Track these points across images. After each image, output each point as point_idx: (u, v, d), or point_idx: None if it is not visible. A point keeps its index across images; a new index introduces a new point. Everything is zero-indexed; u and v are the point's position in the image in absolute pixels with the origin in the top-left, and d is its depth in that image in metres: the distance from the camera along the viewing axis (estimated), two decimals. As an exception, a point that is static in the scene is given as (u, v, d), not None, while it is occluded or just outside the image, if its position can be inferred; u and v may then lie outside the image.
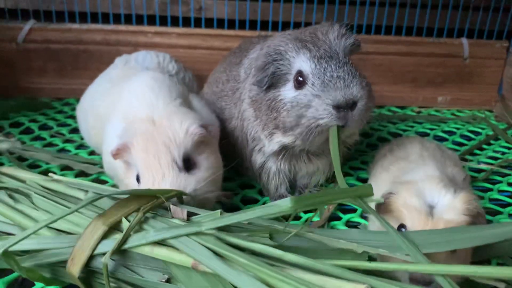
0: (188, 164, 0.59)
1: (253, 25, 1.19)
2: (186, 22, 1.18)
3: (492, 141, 1.03)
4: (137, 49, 1.11)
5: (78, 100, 0.92)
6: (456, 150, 0.96)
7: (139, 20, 1.17)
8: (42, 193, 0.57)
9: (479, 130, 1.10)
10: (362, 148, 0.96)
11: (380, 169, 0.68)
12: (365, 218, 0.70)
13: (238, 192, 0.78)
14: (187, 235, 0.47)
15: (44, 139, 0.94)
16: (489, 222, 0.70)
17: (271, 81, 0.65)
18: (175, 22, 1.18)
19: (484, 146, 1.01)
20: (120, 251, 0.49)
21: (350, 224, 0.69)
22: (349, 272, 0.42)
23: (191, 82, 1.00)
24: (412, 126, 1.11)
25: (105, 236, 0.49)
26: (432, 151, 0.66)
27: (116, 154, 0.60)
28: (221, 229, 0.48)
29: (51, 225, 0.52)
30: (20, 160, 0.83)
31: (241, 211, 0.49)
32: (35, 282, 0.53)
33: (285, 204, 0.44)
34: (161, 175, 0.57)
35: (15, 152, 0.85)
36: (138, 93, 0.66)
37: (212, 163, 0.63)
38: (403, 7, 1.20)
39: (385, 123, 1.12)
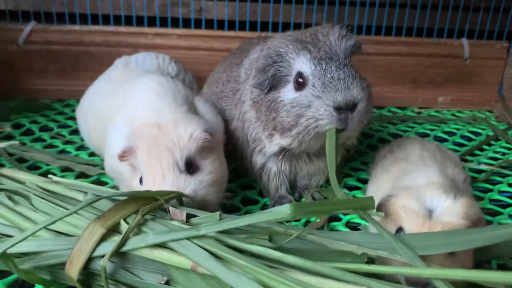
0: (191, 168, 0.60)
1: (253, 26, 1.19)
2: (187, 23, 1.18)
3: (492, 142, 1.03)
4: (137, 51, 1.11)
5: (78, 102, 0.92)
6: (457, 151, 0.96)
7: (140, 21, 1.17)
8: (41, 194, 0.57)
9: (480, 130, 1.10)
10: (362, 149, 0.96)
11: (380, 170, 0.68)
12: (365, 219, 0.69)
13: (238, 193, 0.78)
14: (187, 238, 0.47)
15: (44, 140, 0.94)
16: (489, 223, 0.70)
17: (272, 83, 0.65)
18: (175, 23, 1.18)
19: (485, 147, 1.01)
20: (119, 253, 0.49)
21: (350, 225, 0.69)
22: (348, 274, 0.42)
23: (191, 83, 1.00)
24: (412, 127, 1.11)
25: (104, 238, 0.49)
26: (432, 152, 0.66)
27: (122, 157, 0.61)
28: (221, 231, 0.48)
29: (50, 227, 0.52)
30: (21, 162, 0.84)
31: (240, 217, 0.49)
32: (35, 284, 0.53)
33: (285, 211, 0.44)
34: (161, 176, 0.57)
35: (15, 154, 0.85)
36: (144, 99, 0.67)
37: (216, 168, 0.63)
38: (403, 7, 1.20)
39: (385, 124, 1.12)
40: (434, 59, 1.21)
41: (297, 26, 1.12)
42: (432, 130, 1.09)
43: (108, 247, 0.48)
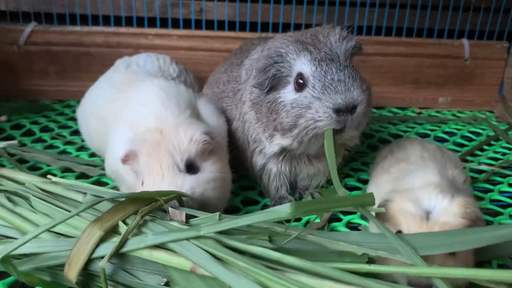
0: (191, 169, 0.60)
1: (253, 27, 1.19)
2: (187, 24, 1.18)
3: (493, 142, 1.03)
4: (138, 51, 1.11)
5: (79, 102, 0.92)
6: (457, 151, 0.96)
7: (140, 22, 1.18)
8: (40, 195, 0.57)
9: (480, 131, 1.10)
10: (363, 149, 0.96)
11: (380, 171, 0.68)
12: (365, 219, 0.70)
13: (239, 193, 0.78)
14: (186, 238, 0.47)
15: (45, 141, 0.95)
16: (489, 223, 0.70)
17: (272, 84, 0.65)
18: (176, 24, 1.18)
19: (485, 147, 1.01)
20: (119, 255, 0.49)
21: (351, 226, 0.69)
22: (348, 275, 0.42)
23: (193, 84, 1.00)
24: (412, 127, 1.11)
25: (103, 239, 0.49)
26: (432, 153, 0.66)
27: (125, 160, 0.61)
28: (220, 232, 0.48)
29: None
30: (21, 162, 0.84)
31: (240, 216, 0.49)
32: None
33: (285, 210, 0.44)
34: (160, 176, 0.58)
35: (16, 154, 0.85)
36: (147, 104, 0.67)
37: (218, 169, 0.63)
38: (403, 8, 1.20)
39: (385, 124, 1.12)
40: (434, 59, 1.21)
41: (298, 27, 1.12)
42: (432, 130, 1.09)
43: (107, 248, 0.48)
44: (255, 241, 0.48)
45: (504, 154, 0.97)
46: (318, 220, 0.69)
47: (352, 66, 0.63)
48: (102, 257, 0.47)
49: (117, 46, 1.14)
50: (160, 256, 0.48)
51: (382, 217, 0.52)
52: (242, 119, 0.74)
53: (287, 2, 1.18)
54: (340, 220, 0.70)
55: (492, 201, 0.77)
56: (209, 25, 1.19)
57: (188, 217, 0.52)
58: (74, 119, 1.03)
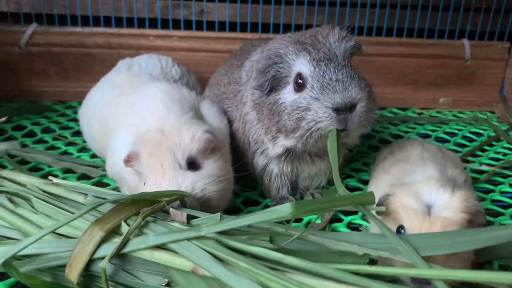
0: (193, 167, 0.60)
1: (254, 28, 1.19)
2: (188, 25, 1.19)
3: (494, 142, 1.03)
4: (139, 52, 1.11)
5: (80, 103, 0.92)
6: (458, 152, 0.96)
7: (141, 23, 1.18)
8: (41, 196, 0.57)
9: (481, 131, 1.10)
10: (364, 150, 0.96)
11: (381, 171, 0.68)
12: (366, 220, 0.70)
13: (240, 194, 0.78)
14: (187, 239, 0.48)
15: (46, 142, 0.95)
16: (491, 223, 0.70)
17: (272, 85, 0.66)
18: (176, 25, 1.18)
19: (486, 147, 1.01)
20: (120, 255, 0.49)
21: (352, 226, 0.69)
22: (349, 276, 0.42)
23: (195, 86, 1.00)
24: (413, 128, 1.11)
25: (104, 239, 0.49)
26: (432, 153, 0.66)
27: (127, 161, 0.62)
28: (221, 232, 0.48)
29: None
30: (23, 163, 0.84)
31: (241, 216, 0.49)
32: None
33: (285, 210, 0.44)
34: (161, 174, 0.58)
35: (17, 155, 0.86)
36: (150, 107, 0.68)
37: (219, 167, 0.63)
38: (404, 8, 1.20)
39: (386, 124, 1.12)
40: (435, 60, 1.21)
41: (298, 28, 1.11)
42: (433, 131, 1.09)
43: (108, 249, 0.48)
44: (256, 241, 0.48)
45: (505, 154, 0.97)
46: (319, 221, 0.69)
47: (351, 65, 0.64)
48: (103, 258, 0.47)
49: (118, 47, 1.14)
50: (161, 256, 0.48)
51: (383, 212, 0.52)
52: (243, 120, 0.74)
53: (288, 3, 1.18)
54: (341, 220, 0.70)
55: (493, 201, 0.77)
56: (210, 26, 1.19)
57: (189, 218, 0.52)
58: (75, 120, 1.03)
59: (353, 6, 1.19)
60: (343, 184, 0.81)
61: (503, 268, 0.57)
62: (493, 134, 1.07)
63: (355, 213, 0.71)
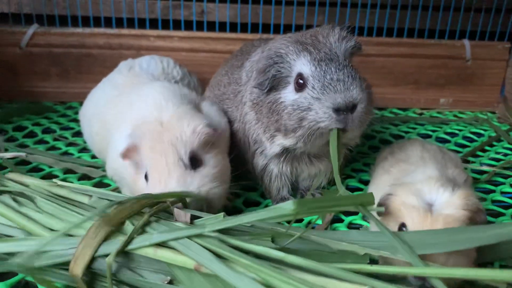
0: (194, 163, 0.60)
1: (255, 28, 1.20)
2: (188, 25, 1.19)
3: (494, 143, 1.03)
4: (139, 53, 1.12)
5: (81, 104, 0.92)
6: (459, 152, 0.96)
7: (142, 24, 1.18)
8: (46, 196, 0.58)
9: (482, 131, 1.10)
10: (364, 150, 0.96)
11: (381, 171, 0.68)
12: (366, 220, 0.70)
13: (240, 195, 0.78)
14: (190, 237, 0.48)
15: (47, 142, 0.95)
16: (491, 224, 0.70)
17: (272, 84, 0.66)
18: (177, 25, 1.18)
19: (487, 148, 1.00)
20: (123, 253, 0.49)
21: (352, 226, 0.69)
22: (351, 274, 0.42)
23: (196, 87, 1.00)
24: (414, 128, 1.11)
25: (106, 238, 0.49)
26: (433, 153, 0.66)
27: (126, 155, 0.61)
28: (224, 232, 0.49)
29: (53, 228, 0.53)
30: (24, 164, 0.84)
31: (243, 214, 0.49)
32: (39, 286, 0.53)
33: (288, 207, 0.44)
34: (167, 173, 0.58)
35: (18, 156, 0.86)
36: (148, 99, 0.68)
37: (219, 161, 0.64)
38: (404, 9, 1.20)
39: (387, 125, 1.12)
40: (435, 60, 1.21)
41: (299, 28, 1.11)
42: (434, 131, 1.09)
43: (111, 246, 0.48)
44: (257, 241, 0.48)
45: (505, 154, 0.97)
46: (320, 222, 0.69)
47: (352, 65, 0.64)
48: (107, 255, 0.47)
49: (119, 48, 1.14)
50: (164, 254, 0.48)
51: (385, 211, 0.52)
52: (243, 120, 0.74)
53: (288, 3, 1.19)
54: (342, 221, 0.70)
55: (493, 201, 0.77)
56: (211, 26, 1.19)
57: (193, 218, 0.53)
58: (76, 120, 1.03)
59: (353, 6, 1.19)
60: (343, 184, 0.82)
61: (504, 268, 0.57)
62: (493, 134, 1.07)
63: (356, 213, 0.71)
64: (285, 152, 0.69)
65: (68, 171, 0.83)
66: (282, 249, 0.46)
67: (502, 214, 0.73)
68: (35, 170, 0.83)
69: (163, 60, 0.95)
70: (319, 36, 0.65)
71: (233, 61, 0.87)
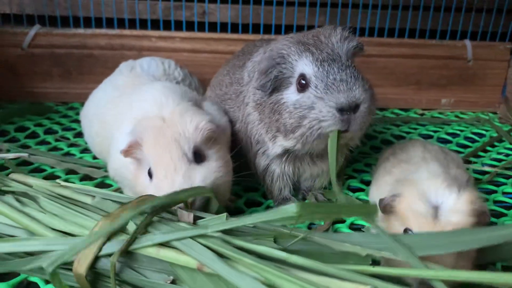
0: (198, 158, 0.61)
1: (256, 29, 1.20)
2: (190, 26, 1.19)
3: (496, 143, 1.03)
4: (141, 53, 1.12)
5: (83, 105, 0.92)
6: (460, 152, 0.96)
7: (143, 24, 1.18)
8: (49, 197, 0.58)
9: (483, 132, 1.10)
10: (366, 151, 0.96)
11: (383, 172, 0.68)
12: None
13: (242, 195, 0.78)
14: (193, 237, 0.48)
15: (49, 143, 0.95)
16: (493, 224, 0.70)
17: (275, 85, 0.66)
18: (178, 26, 1.18)
19: (488, 148, 1.00)
20: (126, 253, 0.49)
21: (354, 227, 0.69)
22: (353, 274, 0.42)
23: (197, 88, 1.00)
24: (415, 129, 1.11)
25: (110, 237, 0.49)
26: (434, 153, 0.66)
27: (127, 152, 0.61)
28: (226, 232, 0.49)
29: (56, 227, 0.53)
30: (25, 165, 0.84)
31: (246, 215, 0.49)
32: (40, 286, 0.53)
33: (291, 210, 0.44)
34: (172, 168, 0.58)
35: (20, 157, 0.86)
36: (148, 97, 0.68)
37: (222, 156, 0.64)
38: (405, 9, 1.20)
39: (388, 125, 1.12)
40: (437, 60, 1.21)
41: (300, 29, 1.11)
42: (435, 131, 1.09)
43: (114, 246, 0.48)
44: (260, 241, 0.48)
45: (507, 155, 0.97)
46: (321, 223, 0.69)
47: (354, 66, 0.64)
48: (109, 255, 0.47)
49: (121, 48, 1.14)
50: (167, 254, 0.48)
51: (388, 211, 0.52)
52: (245, 121, 0.74)
53: (290, 4, 1.19)
54: (343, 221, 0.70)
55: (495, 202, 0.77)
56: (212, 27, 1.19)
57: (195, 218, 0.53)
58: (77, 121, 1.03)
59: (354, 7, 1.19)
60: (345, 184, 0.82)
61: (506, 269, 0.57)
62: (495, 135, 1.07)
63: (358, 213, 0.71)
64: (287, 153, 0.69)
65: (70, 171, 0.83)
66: (284, 250, 0.46)
67: (504, 215, 0.73)
68: (37, 170, 0.83)
69: (164, 61, 0.95)
70: (321, 37, 0.65)
71: (234, 61, 0.87)
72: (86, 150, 0.92)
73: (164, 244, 0.49)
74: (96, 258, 0.48)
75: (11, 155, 0.84)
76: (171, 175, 0.57)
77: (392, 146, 0.78)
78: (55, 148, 0.93)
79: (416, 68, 1.22)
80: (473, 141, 1.05)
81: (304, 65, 0.63)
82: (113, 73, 0.91)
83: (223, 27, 1.19)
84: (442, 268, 0.43)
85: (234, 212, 0.71)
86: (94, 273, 0.49)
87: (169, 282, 0.48)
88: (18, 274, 0.54)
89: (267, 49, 0.70)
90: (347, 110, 0.60)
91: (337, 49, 0.63)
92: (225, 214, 0.51)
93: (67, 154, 0.91)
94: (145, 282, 0.49)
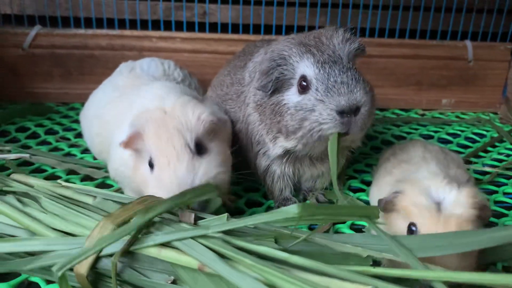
0: (200, 149, 0.60)
1: (257, 29, 1.20)
2: (190, 26, 1.19)
3: (496, 143, 1.03)
4: (142, 54, 1.12)
5: (83, 105, 0.92)
6: (461, 153, 0.96)
7: (144, 25, 1.18)
8: (50, 197, 0.58)
9: (484, 132, 1.10)
10: (366, 151, 0.96)
11: (383, 172, 0.69)
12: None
13: (243, 196, 0.78)
14: (194, 237, 0.48)
15: (50, 143, 0.95)
16: (494, 224, 0.70)
17: (275, 86, 0.66)
18: (179, 26, 1.18)
19: (489, 148, 1.00)
20: (127, 253, 0.49)
21: (355, 227, 0.69)
22: (354, 274, 0.42)
23: (197, 88, 1.00)
24: (416, 129, 1.11)
25: (113, 240, 0.49)
26: (435, 154, 0.66)
27: (128, 143, 0.61)
28: (227, 233, 0.49)
29: (57, 227, 0.53)
30: (26, 165, 0.84)
31: (247, 216, 0.49)
32: (41, 286, 0.53)
33: (292, 211, 0.44)
34: (175, 157, 0.57)
35: (21, 157, 0.86)
36: (148, 94, 0.68)
37: (223, 150, 0.64)
38: (406, 10, 1.20)
39: (389, 126, 1.12)
40: (437, 61, 1.21)
41: (301, 29, 1.12)
42: (436, 132, 1.09)
43: (115, 246, 0.48)
44: (261, 242, 0.48)
45: (508, 155, 0.97)
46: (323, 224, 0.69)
47: (355, 68, 0.64)
48: (110, 255, 0.48)
49: (121, 49, 1.14)
50: (168, 254, 0.48)
51: (390, 209, 0.52)
52: (246, 121, 0.74)
53: (290, 4, 1.19)
54: (344, 222, 0.70)
55: (496, 202, 0.77)
56: (213, 27, 1.19)
57: (196, 219, 0.53)
58: (78, 121, 1.03)
59: (355, 7, 1.19)
60: (346, 185, 0.82)
61: (506, 269, 0.57)
62: (496, 135, 1.07)
63: (358, 214, 0.71)
64: (288, 154, 0.70)
65: (70, 172, 0.83)
66: (285, 250, 0.46)
67: (505, 215, 0.73)
68: (37, 171, 0.83)
69: (164, 62, 0.95)
70: (323, 38, 0.65)
71: (235, 61, 0.87)
72: (86, 151, 0.92)
73: (165, 244, 0.49)
74: (97, 258, 0.49)
75: (12, 156, 0.84)
76: (174, 165, 0.57)
77: (393, 146, 0.78)
78: (55, 149, 0.93)
79: (417, 69, 1.22)
80: (474, 141, 1.05)
81: (305, 67, 0.63)
82: (113, 74, 0.91)
83: (224, 28, 1.19)
84: (442, 269, 0.44)
85: (234, 212, 0.72)
86: (95, 273, 0.50)
87: (170, 282, 0.48)
88: (19, 274, 0.54)
89: (268, 50, 0.70)
90: (347, 113, 0.60)
91: (339, 51, 0.63)
92: (226, 214, 0.51)
93: (68, 154, 0.91)
94: (146, 282, 0.49)
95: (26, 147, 0.92)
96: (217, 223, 0.50)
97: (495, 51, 1.22)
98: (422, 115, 1.22)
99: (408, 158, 0.67)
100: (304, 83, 0.63)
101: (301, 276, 0.43)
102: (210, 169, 0.59)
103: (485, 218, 0.50)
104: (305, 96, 0.62)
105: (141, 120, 0.61)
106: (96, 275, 0.50)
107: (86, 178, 0.81)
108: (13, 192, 0.61)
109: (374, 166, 0.81)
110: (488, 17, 1.22)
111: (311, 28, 0.76)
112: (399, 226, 0.50)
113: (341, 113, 0.59)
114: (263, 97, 0.68)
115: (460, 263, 0.46)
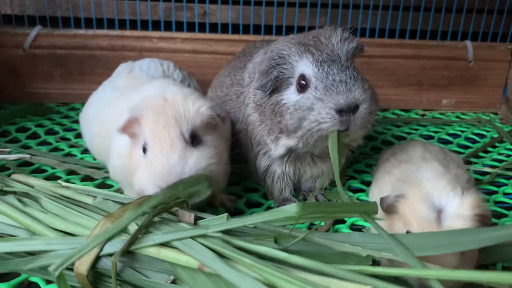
0: (194, 141, 0.61)
1: (257, 30, 1.20)
2: (191, 27, 1.19)
3: (497, 144, 1.03)
4: (142, 54, 1.12)
5: (84, 105, 0.92)
6: (461, 153, 0.96)
7: (144, 25, 1.18)
8: (50, 197, 0.58)
9: (484, 132, 1.10)
10: (366, 151, 0.96)
11: (383, 173, 0.69)
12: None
13: (242, 196, 0.78)
14: (194, 237, 0.48)
15: (50, 143, 0.95)
16: (494, 225, 0.70)
17: (275, 86, 0.66)
18: (179, 27, 1.19)
19: (489, 149, 1.00)
20: (127, 253, 0.49)
21: (355, 227, 0.69)
22: (353, 274, 0.42)
23: (196, 89, 1.00)
24: (416, 129, 1.11)
25: (111, 237, 0.49)
26: (435, 154, 0.66)
27: (126, 127, 0.61)
28: (227, 232, 0.49)
29: (57, 227, 0.53)
30: (26, 165, 0.84)
31: (247, 215, 0.49)
32: (41, 286, 0.53)
33: (291, 210, 0.44)
34: (169, 145, 0.58)
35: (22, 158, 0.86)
36: (151, 85, 0.69)
37: (218, 145, 0.64)
38: (406, 10, 1.20)
39: (389, 126, 1.12)
40: (438, 61, 1.21)
41: (301, 29, 1.12)
42: (436, 132, 1.09)
43: (116, 246, 0.48)
44: (260, 242, 0.48)
45: (508, 156, 0.97)
46: (322, 223, 0.69)
47: (354, 67, 0.64)
48: (110, 255, 0.48)
49: (122, 49, 1.15)
50: (168, 254, 0.48)
51: (391, 210, 0.52)
52: (246, 122, 0.74)
53: (291, 5, 1.19)
54: (344, 222, 0.70)
55: (496, 203, 0.77)
56: (213, 28, 1.19)
57: (196, 219, 0.53)
58: (78, 122, 1.03)
59: (355, 8, 1.19)
60: (346, 185, 0.82)
61: (506, 269, 0.57)
62: (496, 135, 1.07)
63: (358, 214, 0.71)
64: (289, 153, 0.70)
65: (70, 172, 0.83)
66: (284, 250, 0.46)
67: (505, 215, 0.73)
68: (37, 171, 0.83)
69: (163, 63, 0.95)
70: (322, 38, 0.65)
71: (235, 62, 0.87)
72: (87, 151, 0.92)
73: (165, 244, 0.49)
74: (97, 258, 0.49)
75: (12, 156, 0.84)
76: (167, 151, 0.57)
77: (392, 146, 0.78)
78: (56, 149, 0.93)
79: (417, 69, 1.22)
80: (474, 141, 1.04)
81: (304, 66, 0.63)
82: (112, 75, 0.92)
83: (224, 28, 1.19)
84: (440, 268, 0.43)
85: (234, 212, 0.72)
86: (95, 273, 0.50)
87: (169, 282, 0.48)
88: (19, 274, 0.54)
89: (268, 50, 0.70)
90: (346, 111, 0.60)
91: (337, 50, 0.64)
92: (225, 214, 0.51)
93: (68, 154, 0.91)
94: (146, 282, 0.49)
95: (26, 147, 0.92)
96: (216, 223, 0.50)
97: (495, 51, 1.22)
98: (422, 115, 1.22)
99: (408, 158, 0.67)
100: (303, 82, 0.63)
101: (301, 276, 0.43)
102: (201, 159, 0.59)
103: (484, 226, 0.49)
104: (304, 95, 0.63)
105: (141, 106, 0.61)
106: (96, 275, 0.50)
107: (86, 179, 0.81)
108: (14, 192, 0.61)
109: (374, 166, 0.81)
110: (488, 18, 1.22)
111: (311, 28, 0.76)
112: (399, 228, 0.50)
113: (340, 111, 0.60)
114: (263, 97, 0.69)
115: (461, 263, 0.46)
